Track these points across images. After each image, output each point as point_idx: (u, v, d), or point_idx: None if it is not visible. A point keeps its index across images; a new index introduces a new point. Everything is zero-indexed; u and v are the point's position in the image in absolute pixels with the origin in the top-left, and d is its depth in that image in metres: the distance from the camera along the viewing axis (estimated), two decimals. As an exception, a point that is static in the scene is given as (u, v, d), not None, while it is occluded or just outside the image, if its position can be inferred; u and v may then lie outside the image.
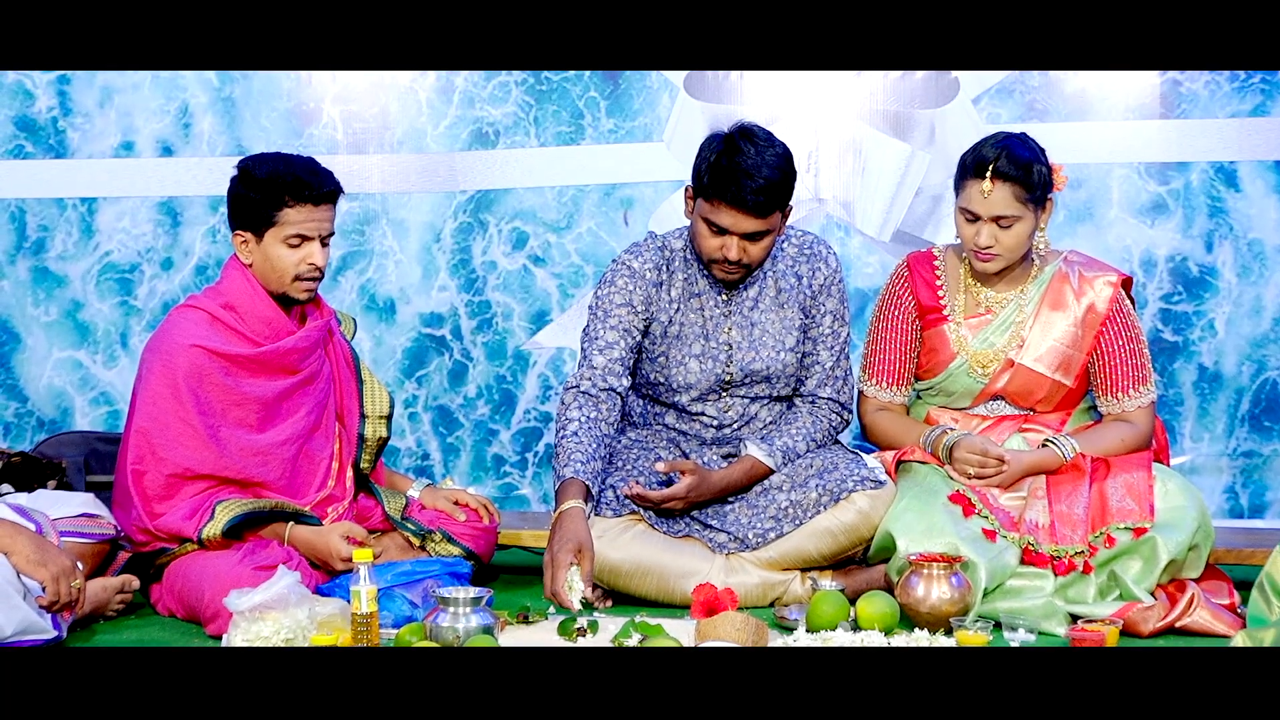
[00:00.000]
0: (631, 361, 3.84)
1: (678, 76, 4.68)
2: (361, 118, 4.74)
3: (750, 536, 3.78)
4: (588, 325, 3.85)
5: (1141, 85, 4.59)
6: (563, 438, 3.69)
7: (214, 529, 3.59)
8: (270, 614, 3.25)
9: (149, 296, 4.78)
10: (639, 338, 3.84)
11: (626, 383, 3.82)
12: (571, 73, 4.69)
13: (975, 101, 4.63)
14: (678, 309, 3.85)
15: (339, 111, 4.74)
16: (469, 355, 4.79)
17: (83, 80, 4.74)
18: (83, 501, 3.70)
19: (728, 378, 3.88)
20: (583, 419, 3.72)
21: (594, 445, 3.68)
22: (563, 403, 3.78)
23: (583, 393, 3.75)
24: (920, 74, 4.63)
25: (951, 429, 3.85)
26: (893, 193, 4.65)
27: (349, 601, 3.27)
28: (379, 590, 3.35)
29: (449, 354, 4.80)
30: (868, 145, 4.64)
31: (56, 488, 4.07)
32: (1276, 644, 2.79)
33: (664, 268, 3.85)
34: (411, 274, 4.78)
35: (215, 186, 4.66)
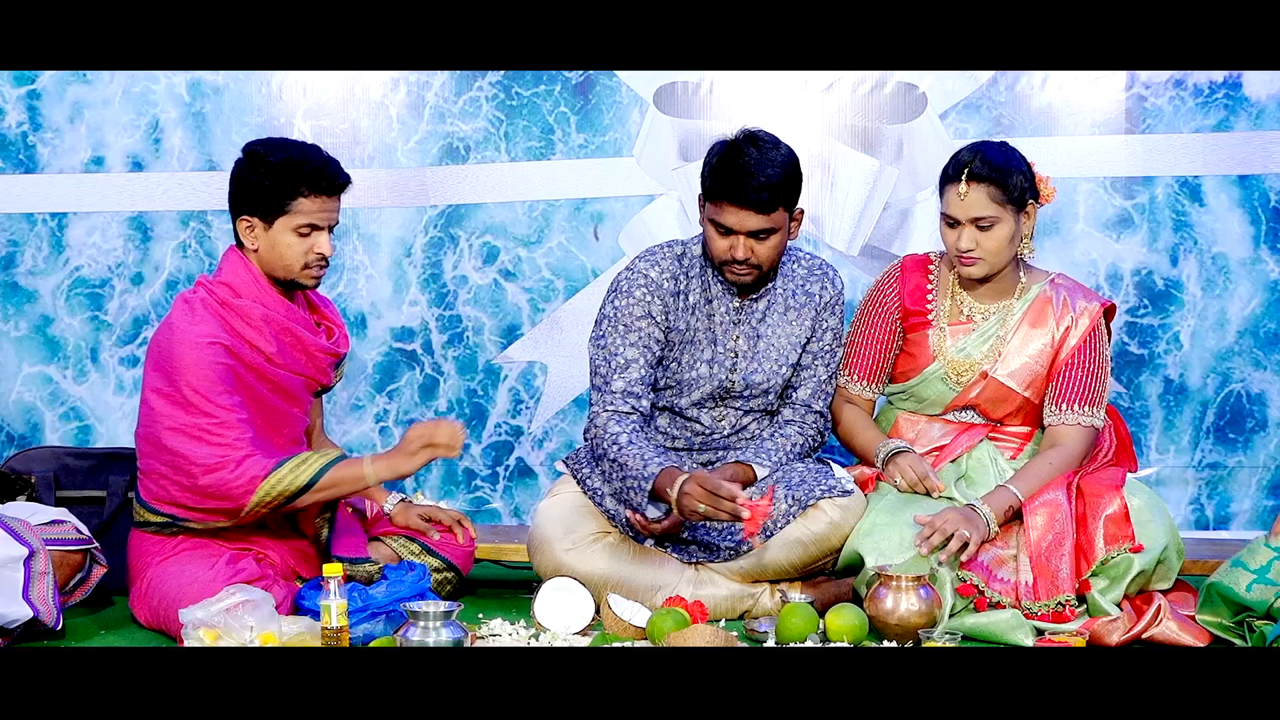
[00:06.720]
0: (653, 378, 3.81)
1: (648, 90, 4.69)
2: (332, 132, 4.74)
3: (722, 548, 3.78)
4: (604, 338, 3.80)
5: (1107, 100, 4.63)
6: (621, 450, 3.67)
7: (301, 477, 3.52)
8: (216, 631, 3.26)
9: (119, 311, 4.77)
10: (659, 351, 3.82)
11: (648, 403, 3.80)
12: (542, 88, 4.70)
13: (943, 116, 4.65)
14: (694, 314, 3.84)
15: (309, 125, 4.74)
16: (440, 370, 4.80)
17: (53, 94, 4.72)
18: (52, 513, 3.69)
19: (729, 385, 3.88)
20: (628, 429, 3.71)
21: (653, 446, 3.70)
22: (596, 425, 3.77)
23: (614, 413, 3.74)
24: (888, 89, 4.66)
25: (906, 448, 3.88)
26: (861, 207, 4.68)
27: (318, 619, 3.29)
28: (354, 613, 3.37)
29: (420, 368, 4.80)
30: (836, 160, 4.67)
31: (27, 501, 4.03)
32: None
33: (681, 276, 3.83)
34: (382, 289, 4.78)
35: (185, 201, 4.66)
